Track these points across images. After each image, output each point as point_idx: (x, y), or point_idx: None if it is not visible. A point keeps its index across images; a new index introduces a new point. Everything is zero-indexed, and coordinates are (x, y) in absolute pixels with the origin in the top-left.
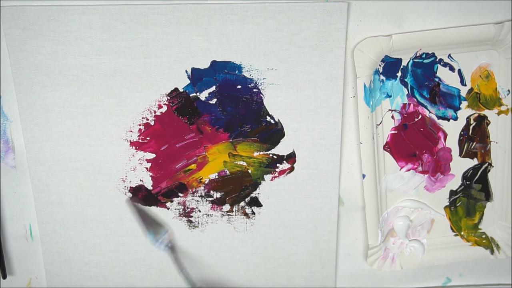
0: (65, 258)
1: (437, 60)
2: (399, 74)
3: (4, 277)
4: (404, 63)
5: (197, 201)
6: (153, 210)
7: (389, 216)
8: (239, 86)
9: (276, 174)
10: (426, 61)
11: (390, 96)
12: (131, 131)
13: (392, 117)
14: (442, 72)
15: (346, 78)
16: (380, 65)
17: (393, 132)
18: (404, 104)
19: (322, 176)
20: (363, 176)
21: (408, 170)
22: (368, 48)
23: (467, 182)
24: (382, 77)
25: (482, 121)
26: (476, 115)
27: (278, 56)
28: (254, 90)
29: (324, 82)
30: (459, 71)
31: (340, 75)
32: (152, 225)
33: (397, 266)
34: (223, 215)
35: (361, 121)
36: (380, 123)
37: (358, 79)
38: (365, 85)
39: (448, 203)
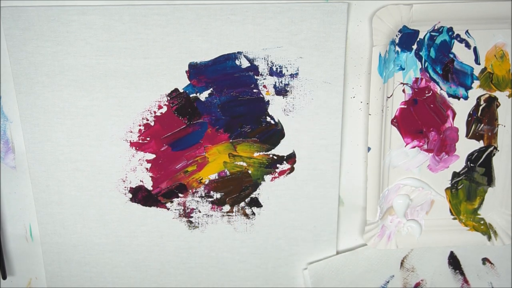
0: (65, 259)
1: (454, 35)
2: (414, 46)
3: (4, 277)
4: (421, 36)
5: (197, 201)
6: None
7: (390, 193)
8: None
9: (276, 174)
10: (443, 35)
11: (403, 69)
12: (131, 132)
13: (403, 90)
14: (457, 49)
15: (346, 78)
16: (397, 36)
17: (403, 106)
18: (416, 79)
19: (322, 177)
20: (368, 149)
21: (414, 147)
22: (388, 15)
23: (471, 165)
24: (397, 48)
25: (492, 102)
26: (487, 96)
27: (278, 57)
28: (254, 90)
29: (324, 82)
30: (475, 49)
31: (340, 75)
32: None
33: (392, 245)
34: (223, 215)
35: (372, 92)
36: (391, 95)
37: (374, 47)
38: (380, 55)
39: (449, 185)
